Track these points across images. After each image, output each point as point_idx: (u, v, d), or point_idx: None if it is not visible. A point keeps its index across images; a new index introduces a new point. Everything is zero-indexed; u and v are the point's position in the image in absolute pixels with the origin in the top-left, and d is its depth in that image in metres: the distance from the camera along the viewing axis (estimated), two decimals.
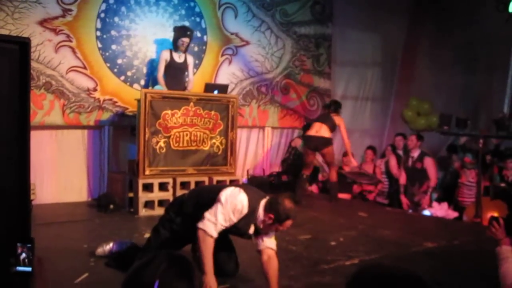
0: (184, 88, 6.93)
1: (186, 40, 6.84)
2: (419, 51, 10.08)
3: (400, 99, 10.05)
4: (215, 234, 3.41)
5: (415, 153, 7.89)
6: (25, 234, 2.33)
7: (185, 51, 6.94)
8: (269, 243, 3.55)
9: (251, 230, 3.52)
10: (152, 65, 7.20)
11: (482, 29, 8.85)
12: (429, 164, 7.82)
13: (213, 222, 3.40)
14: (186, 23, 7.48)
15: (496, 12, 8.00)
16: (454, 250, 4.96)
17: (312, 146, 7.19)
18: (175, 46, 6.87)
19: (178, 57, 6.89)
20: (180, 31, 6.87)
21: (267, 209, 3.40)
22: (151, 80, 7.20)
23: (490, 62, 9.06)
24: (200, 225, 3.42)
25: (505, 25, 8.05)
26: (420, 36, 9.98)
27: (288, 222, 3.39)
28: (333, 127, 7.26)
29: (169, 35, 7.10)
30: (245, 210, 3.43)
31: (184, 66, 6.96)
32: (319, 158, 7.80)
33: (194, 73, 7.56)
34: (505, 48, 8.63)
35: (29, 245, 1.95)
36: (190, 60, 7.06)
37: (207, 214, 3.43)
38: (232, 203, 3.43)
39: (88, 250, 4.48)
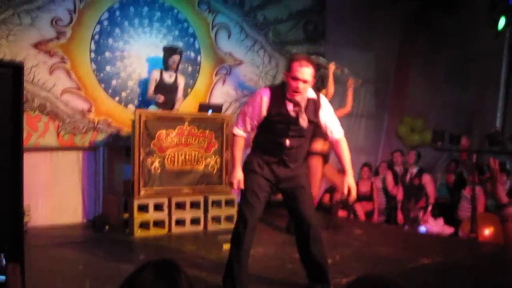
0: (172, 107, 6.92)
1: (176, 58, 6.85)
2: (411, 68, 10.15)
3: (394, 116, 10.10)
4: (241, 133, 3.81)
5: (414, 169, 7.95)
6: (18, 256, 2.33)
7: (176, 70, 6.95)
8: (335, 133, 3.85)
9: (291, 107, 3.65)
10: (145, 85, 7.23)
11: (473, 45, 8.94)
12: (428, 180, 7.88)
13: (241, 121, 3.80)
14: (180, 44, 7.54)
15: (487, 29, 8.09)
16: (450, 266, 4.95)
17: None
18: (166, 66, 6.87)
19: (169, 77, 6.88)
20: (170, 50, 6.89)
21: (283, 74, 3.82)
22: (142, 100, 7.23)
23: (482, 78, 9.13)
24: (232, 130, 3.88)
25: (495, 41, 8.14)
26: (412, 53, 10.06)
27: (295, 65, 3.56)
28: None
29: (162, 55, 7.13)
30: (266, 95, 3.67)
31: (174, 85, 6.94)
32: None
33: (189, 93, 7.61)
34: (496, 64, 8.71)
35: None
36: (181, 80, 7.05)
37: (238, 118, 3.88)
38: (252, 100, 3.78)
39: (83, 272, 4.46)
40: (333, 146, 3.97)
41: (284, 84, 3.72)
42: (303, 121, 3.67)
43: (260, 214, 3.83)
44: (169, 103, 6.89)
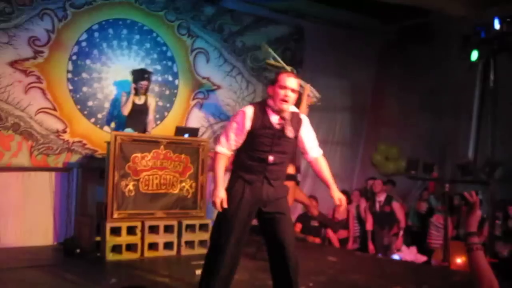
0: (144, 130, 6.87)
1: (144, 83, 6.80)
2: (387, 96, 10.31)
3: (369, 144, 10.21)
4: (224, 151, 3.76)
5: (382, 197, 8.03)
6: None
7: (145, 93, 6.89)
8: (316, 150, 3.91)
9: (275, 120, 3.68)
10: (116, 107, 7.18)
11: (447, 76, 9.14)
12: (397, 207, 8.00)
13: (224, 139, 3.76)
14: (158, 67, 7.56)
15: (460, 61, 8.28)
16: None
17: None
18: (134, 89, 6.79)
19: (138, 99, 6.82)
20: (139, 75, 6.82)
21: (268, 88, 3.77)
22: (117, 122, 7.18)
23: (455, 108, 9.31)
24: (215, 148, 3.82)
25: (468, 73, 8.33)
26: (388, 82, 10.23)
27: (283, 76, 3.67)
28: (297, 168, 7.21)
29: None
30: (250, 110, 3.70)
31: (144, 107, 6.88)
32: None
33: (165, 117, 7.60)
34: (469, 95, 8.89)
35: None
36: (151, 101, 7.01)
37: (220, 137, 3.84)
38: (234, 117, 3.78)
39: None
40: (312, 164, 3.96)
41: (265, 100, 3.76)
42: (290, 132, 3.69)
43: (241, 240, 3.76)
44: (141, 126, 6.83)
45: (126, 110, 6.74)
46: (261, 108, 3.72)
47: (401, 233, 7.92)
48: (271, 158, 3.69)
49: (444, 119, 9.53)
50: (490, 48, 7.97)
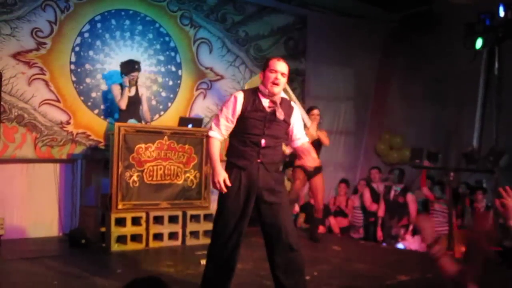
0: (140, 121, 6.84)
1: (135, 74, 6.76)
2: (390, 85, 10.27)
3: (373, 133, 10.18)
4: (216, 135, 3.81)
5: (397, 187, 7.99)
6: None
7: (135, 84, 6.83)
8: (303, 139, 3.94)
9: (266, 103, 3.73)
10: (108, 99, 7.17)
11: (451, 64, 9.09)
12: (411, 200, 7.93)
13: (215, 125, 3.82)
14: (161, 58, 7.55)
15: (464, 49, 8.23)
16: (427, 283, 4.97)
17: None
18: (125, 81, 6.73)
19: (128, 91, 6.75)
20: (128, 66, 6.76)
21: (260, 74, 3.85)
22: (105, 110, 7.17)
23: (459, 97, 9.27)
24: (207, 133, 3.89)
25: (473, 61, 8.28)
26: (391, 71, 10.19)
27: (273, 60, 3.74)
28: None
29: (143, 69, 7.10)
30: (240, 95, 3.75)
31: (136, 99, 6.86)
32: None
33: (169, 107, 7.60)
34: (473, 83, 8.84)
35: None
36: (143, 91, 6.99)
37: (212, 123, 3.89)
38: (225, 102, 3.82)
39: (58, 287, 4.39)
40: (297, 150, 4.01)
41: (257, 87, 3.81)
42: (280, 114, 3.72)
43: (242, 228, 3.77)
44: (135, 116, 6.81)
45: (123, 103, 6.70)
46: (253, 93, 3.77)
47: (411, 227, 7.85)
48: (263, 141, 3.70)
49: (448, 107, 9.49)
50: (495, 36, 7.91)
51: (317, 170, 6.65)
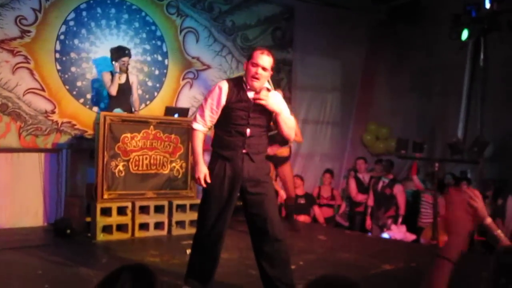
0: (130, 109, 6.83)
1: (126, 59, 6.71)
2: (377, 76, 10.32)
3: (359, 124, 10.23)
4: (200, 127, 3.80)
5: (386, 179, 8.02)
6: None
7: (126, 71, 6.80)
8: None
9: (250, 94, 3.68)
10: (98, 87, 7.13)
11: (437, 55, 9.15)
12: (399, 190, 7.95)
13: (199, 116, 3.78)
14: (147, 47, 7.50)
15: (450, 40, 8.28)
16: (411, 272, 5.02)
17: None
18: (115, 67, 6.67)
19: (119, 78, 6.72)
20: (119, 52, 6.71)
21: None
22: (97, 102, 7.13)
23: (445, 88, 9.34)
24: (191, 125, 3.86)
25: (458, 53, 8.34)
26: (378, 62, 10.23)
27: (256, 53, 3.65)
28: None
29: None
30: (225, 85, 3.70)
31: (127, 86, 6.81)
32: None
33: (155, 97, 7.56)
34: (458, 74, 8.91)
35: None
36: (133, 78, 6.95)
37: (196, 114, 3.84)
38: (210, 93, 3.78)
39: (42, 277, 4.37)
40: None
41: (241, 76, 3.77)
42: (250, 96, 3.69)
43: (227, 218, 3.79)
44: (125, 105, 6.77)
45: (114, 89, 6.65)
46: (237, 83, 3.73)
47: (400, 219, 7.88)
48: (248, 130, 3.69)
49: (434, 98, 9.57)
50: (481, 28, 7.97)
51: (285, 159, 6.63)
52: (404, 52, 9.64)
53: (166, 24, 7.76)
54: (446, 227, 1.94)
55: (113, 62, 6.68)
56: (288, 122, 3.78)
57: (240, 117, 3.68)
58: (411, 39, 9.52)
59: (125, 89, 6.79)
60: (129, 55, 6.79)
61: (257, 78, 3.62)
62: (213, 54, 8.24)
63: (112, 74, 6.68)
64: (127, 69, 6.80)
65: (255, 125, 3.72)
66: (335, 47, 9.57)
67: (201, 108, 3.83)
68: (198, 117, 3.81)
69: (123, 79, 6.77)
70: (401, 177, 9.13)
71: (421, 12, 9.30)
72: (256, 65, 3.61)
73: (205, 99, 3.80)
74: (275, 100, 3.71)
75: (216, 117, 3.76)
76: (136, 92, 6.99)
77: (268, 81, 3.82)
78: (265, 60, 3.63)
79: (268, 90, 3.78)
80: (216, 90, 3.72)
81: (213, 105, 3.72)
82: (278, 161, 6.53)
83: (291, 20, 9.17)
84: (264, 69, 3.62)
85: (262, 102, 3.61)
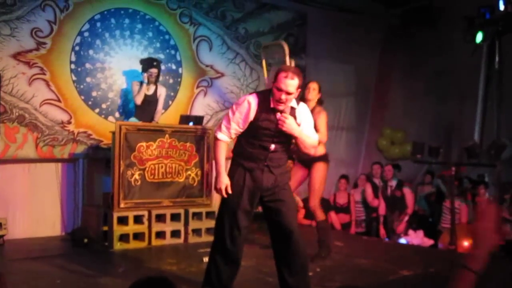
0: (151, 120, 6.88)
1: (154, 70, 6.80)
2: (391, 80, 10.26)
3: (374, 128, 10.18)
4: (224, 138, 3.77)
5: (393, 182, 8.03)
6: None
7: (155, 82, 6.90)
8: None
9: (276, 116, 3.64)
10: (126, 97, 7.20)
11: (452, 59, 9.09)
12: (408, 192, 7.98)
13: (225, 127, 3.76)
14: (161, 56, 7.54)
15: (465, 43, 8.22)
16: (430, 278, 4.98)
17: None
18: (144, 78, 6.80)
19: (147, 89, 6.81)
20: (147, 63, 6.84)
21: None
22: (124, 112, 7.20)
23: (460, 92, 9.27)
24: (215, 134, 3.83)
25: (473, 56, 8.27)
26: (392, 66, 10.18)
27: (281, 75, 3.57)
28: None
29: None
30: (254, 101, 3.66)
31: (154, 98, 6.89)
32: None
33: (170, 105, 7.60)
34: (474, 78, 8.84)
35: None
36: (162, 91, 7.02)
37: (221, 124, 3.82)
38: (238, 106, 3.73)
39: (62, 286, 4.40)
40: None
41: (269, 92, 3.73)
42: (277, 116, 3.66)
43: (245, 226, 3.80)
44: (149, 115, 6.85)
45: (139, 99, 6.74)
46: (264, 99, 3.69)
47: (406, 218, 7.91)
48: (273, 146, 3.71)
49: (450, 102, 9.49)
50: (495, 30, 7.91)
51: (317, 159, 5.73)
52: (418, 56, 9.58)
53: (179, 33, 7.80)
54: (474, 239, 1.92)
55: (143, 73, 6.77)
56: (307, 141, 3.77)
57: (266, 134, 3.69)
58: (425, 42, 9.46)
59: (151, 100, 6.87)
60: (158, 67, 6.88)
61: (282, 103, 3.61)
62: (226, 62, 8.27)
63: (141, 84, 6.76)
64: (156, 81, 6.87)
65: (279, 141, 3.73)
66: (348, 52, 9.54)
67: (227, 118, 3.78)
68: (223, 127, 3.79)
69: (151, 90, 6.85)
70: (417, 182, 9.07)
71: (434, 16, 9.24)
72: (280, 90, 3.58)
73: (233, 111, 3.74)
74: (294, 124, 3.66)
75: (241, 131, 3.76)
76: (161, 104, 7.06)
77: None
78: (289, 84, 3.56)
79: (293, 108, 3.75)
80: (245, 104, 3.69)
81: (240, 119, 3.70)
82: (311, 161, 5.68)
83: (303, 26, 9.16)
84: (288, 93, 3.58)
85: (283, 128, 3.61)
